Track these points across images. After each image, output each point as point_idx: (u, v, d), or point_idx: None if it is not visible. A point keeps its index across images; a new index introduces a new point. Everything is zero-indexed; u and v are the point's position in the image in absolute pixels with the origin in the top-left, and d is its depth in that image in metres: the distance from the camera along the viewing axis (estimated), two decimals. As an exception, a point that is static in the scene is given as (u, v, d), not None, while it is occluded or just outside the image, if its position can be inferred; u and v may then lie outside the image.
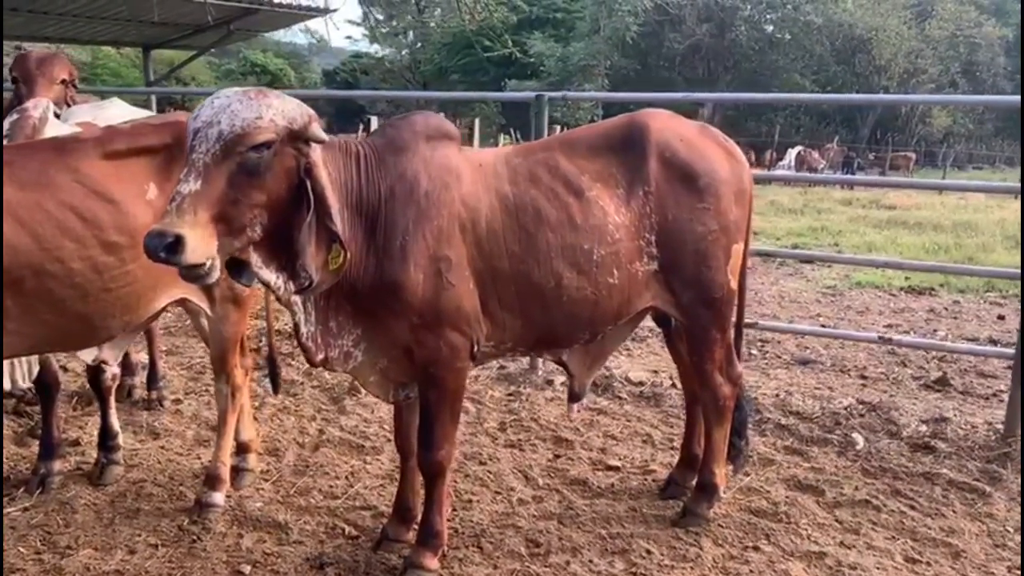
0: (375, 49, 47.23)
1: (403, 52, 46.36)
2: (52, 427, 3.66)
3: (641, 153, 2.98)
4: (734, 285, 3.18)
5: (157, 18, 8.53)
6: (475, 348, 2.83)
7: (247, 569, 3.02)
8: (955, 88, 37.83)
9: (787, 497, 3.64)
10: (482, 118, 31.50)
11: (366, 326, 2.72)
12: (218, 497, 3.41)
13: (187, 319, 4.95)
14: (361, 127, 23.83)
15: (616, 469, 3.93)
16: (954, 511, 3.58)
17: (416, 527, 3.10)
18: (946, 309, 8.02)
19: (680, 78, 37.42)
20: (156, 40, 9.98)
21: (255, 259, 2.41)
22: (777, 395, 4.95)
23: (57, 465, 3.64)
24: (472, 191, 2.76)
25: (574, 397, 3.32)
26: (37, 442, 3.77)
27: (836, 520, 3.48)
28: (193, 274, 2.21)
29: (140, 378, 4.73)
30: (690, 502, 3.43)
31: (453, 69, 39.72)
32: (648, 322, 3.71)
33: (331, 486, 3.69)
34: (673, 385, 4.94)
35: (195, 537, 3.23)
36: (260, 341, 5.27)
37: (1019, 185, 5.16)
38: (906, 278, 9.12)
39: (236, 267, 2.46)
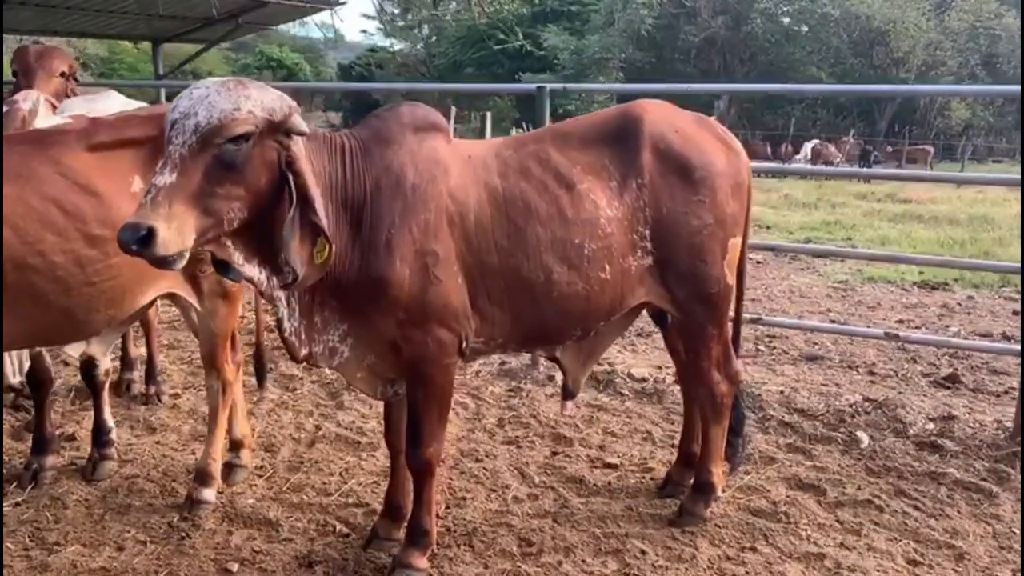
0: (390, 43, 47.30)
1: (418, 46, 46.37)
2: (45, 422, 3.64)
3: (635, 145, 2.91)
4: (731, 280, 3.10)
5: (164, 12, 8.54)
6: (464, 344, 2.78)
7: (235, 567, 2.99)
8: (975, 80, 37.29)
9: (787, 496, 3.57)
10: (496, 111, 31.38)
11: (352, 322, 2.67)
12: (208, 494, 3.38)
13: (187, 313, 4.93)
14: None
15: (614, 467, 3.87)
16: (959, 512, 3.49)
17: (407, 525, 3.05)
18: (960, 304, 7.86)
19: (696, 71, 37.12)
20: (165, 34, 9.98)
21: (236, 256, 2.37)
22: (782, 392, 4.85)
23: (50, 460, 3.63)
24: (460, 184, 2.70)
25: (568, 394, 3.25)
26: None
27: (837, 520, 3.40)
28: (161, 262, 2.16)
29: (139, 373, 4.72)
30: (687, 501, 3.37)
31: (467, 63, 39.59)
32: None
33: (324, 483, 3.65)
34: (676, 381, 4.87)
35: (184, 534, 3.20)
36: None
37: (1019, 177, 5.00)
38: (920, 273, 8.96)
39: (223, 263, 2.42)
